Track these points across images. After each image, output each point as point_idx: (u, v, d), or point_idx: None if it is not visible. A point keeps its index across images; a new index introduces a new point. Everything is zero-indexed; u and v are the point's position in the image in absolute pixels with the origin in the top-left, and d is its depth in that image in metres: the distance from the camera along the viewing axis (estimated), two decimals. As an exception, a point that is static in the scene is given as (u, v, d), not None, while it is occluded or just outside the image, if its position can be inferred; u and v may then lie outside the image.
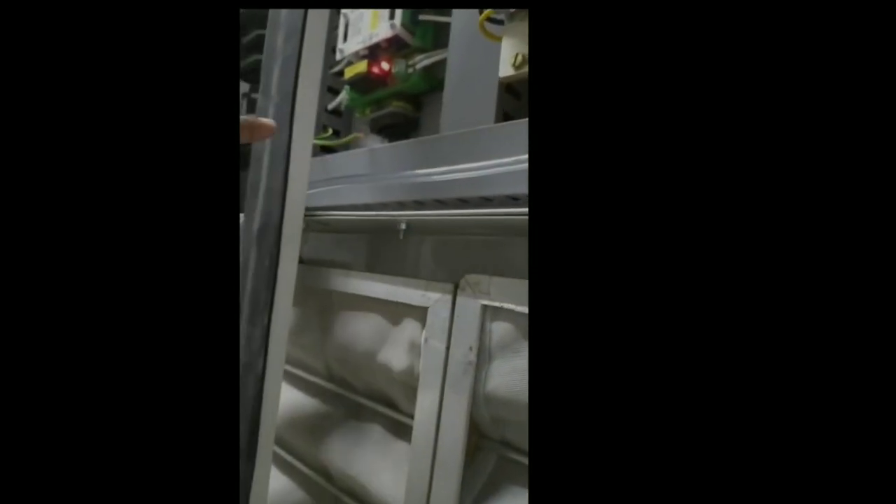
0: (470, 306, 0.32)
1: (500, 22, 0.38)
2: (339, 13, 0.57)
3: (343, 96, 0.60)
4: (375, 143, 0.58)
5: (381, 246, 0.58)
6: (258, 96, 0.48)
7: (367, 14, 0.53)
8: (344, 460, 0.45)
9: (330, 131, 0.62)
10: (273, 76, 0.45)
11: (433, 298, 0.35)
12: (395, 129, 0.57)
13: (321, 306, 0.49)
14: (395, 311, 0.41)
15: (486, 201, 0.39)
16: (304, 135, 0.43)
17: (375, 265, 0.51)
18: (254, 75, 0.75)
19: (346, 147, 0.64)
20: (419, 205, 0.44)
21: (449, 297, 0.34)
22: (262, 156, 0.46)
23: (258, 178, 0.47)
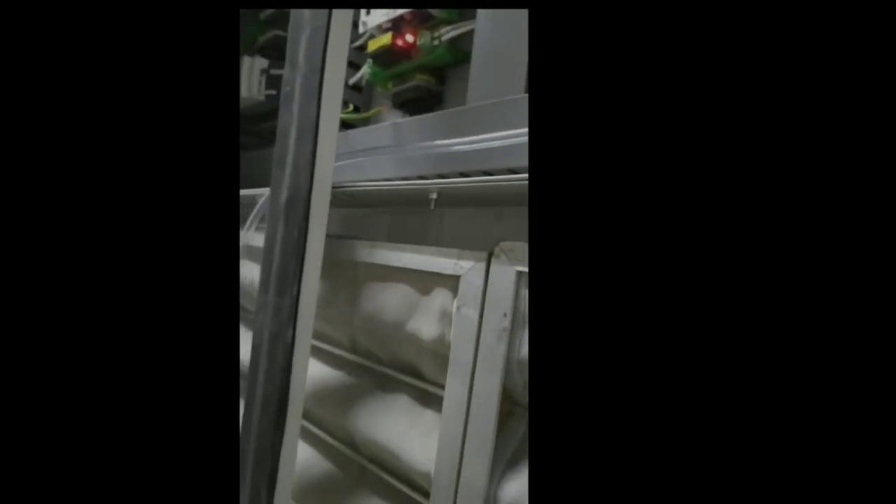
0: (505, 273, 0.33)
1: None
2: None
3: (365, 70, 0.59)
4: (397, 119, 0.57)
5: (403, 222, 0.58)
6: (284, 69, 0.48)
7: (392, -15, 0.52)
8: (371, 429, 0.46)
9: (351, 107, 0.62)
10: (300, 48, 0.45)
11: (466, 267, 0.36)
12: (418, 103, 0.57)
13: (347, 279, 0.49)
14: (424, 281, 0.41)
15: (513, 173, 0.39)
16: (332, 107, 0.43)
17: (399, 240, 0.51)
18: (272, 51, 0.74)
19: (366, 122, 0.63)
20: (443, 178, 0.44)
21: (482, 265, 0.34)
22: (290, 129, 0.46)
23: (285, 151, 0.47)
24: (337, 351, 0.54)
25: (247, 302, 0.68)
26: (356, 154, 0.53)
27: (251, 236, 0.57)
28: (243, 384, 0.54)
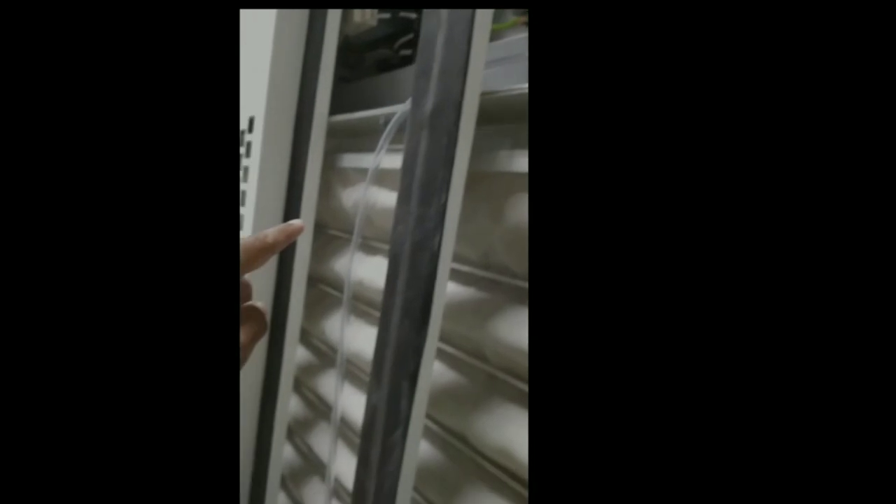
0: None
1: None
2: None
3: (494, -17, 0.57)
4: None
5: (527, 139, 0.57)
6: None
7: None
8: (514, 338, 0.47)
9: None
10: (451, -52, 0.44)
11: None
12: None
13: (488, 192, 0.50)
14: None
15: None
16: (486, 12, 0.42)
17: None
18: (386, -27, 0.73)
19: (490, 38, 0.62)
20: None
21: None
22: (436, 35, 0.46)
23: (430, 60, 0.47)
24: (463, 268, 0.55)
25: (366, 230, 0.70)
26: (492, 64, 0.52)
27: (380, 160, 0.58)
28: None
